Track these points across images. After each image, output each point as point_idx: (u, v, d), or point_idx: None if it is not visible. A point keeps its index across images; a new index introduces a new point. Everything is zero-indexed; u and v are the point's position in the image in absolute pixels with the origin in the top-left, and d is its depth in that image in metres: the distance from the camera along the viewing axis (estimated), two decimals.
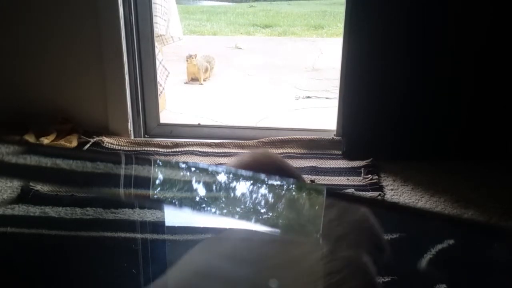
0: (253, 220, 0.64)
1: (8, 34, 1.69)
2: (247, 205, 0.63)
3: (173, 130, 1.82)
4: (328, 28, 5.73)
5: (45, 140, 1.63)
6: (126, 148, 1.69)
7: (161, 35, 1.98)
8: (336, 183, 1.47)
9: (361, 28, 1.51)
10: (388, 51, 1.52)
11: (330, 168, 1.56)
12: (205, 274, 0.61)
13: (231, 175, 0.72)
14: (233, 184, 0.69)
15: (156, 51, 1.79)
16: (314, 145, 1.70)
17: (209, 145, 1.71)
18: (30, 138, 1.64)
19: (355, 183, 1.46)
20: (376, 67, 1.54)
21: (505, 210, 1.33)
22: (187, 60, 2.84)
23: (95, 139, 1.69)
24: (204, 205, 0.66)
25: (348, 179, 1.49)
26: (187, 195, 0.67)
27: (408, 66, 1.53)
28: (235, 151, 1.67)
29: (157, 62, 1.80)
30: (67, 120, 1.75)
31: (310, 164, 1.57)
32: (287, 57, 3.91)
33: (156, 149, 1.68)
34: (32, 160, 0.73)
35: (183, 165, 0.91)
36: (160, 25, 1.94)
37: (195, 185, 0.71)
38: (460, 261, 0.59)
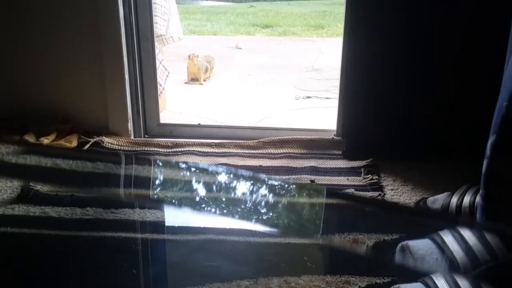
0: (253, 220, 0.64)
1: (8, 34, 1.69)
2: (247, 205, 0.63)
3: (173, 130, 1.82)
4: (328, 28, 5.74)
5: (45, 140, 1.63)
6: (126, 148, 1.69)
7: (161, 35, 1.98)
8: (336, 183, 1.47)
9: (361, 28, 1.51)
10: (388, 51, 1.52)
11: (330, 168, 1.56)
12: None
13: (231, 175, 0.72)
14: (233, 184, 0.69)
15: (156, 51, 1.79)
16: (314, 145, 1.70)
17: (209, 145, 1.71)
18: (30, 138, 1.64)
19: (355, 183, 1.46)
20: (376, 67, 1.54)
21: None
22: (188, 59, 2.85)
23: (95, 139, 1.69)
24: (204, 205, 0.66)
25: (348, 179, 1.49)
26: (187, 195, 0.67)
27: (408, 66, 1.53)
28: (235, 151, 1.67)
29: (157, 62, 1.80)
30: (67, 120, 1.75)
31: (310, 164, 1.57)
32: (287, 57, 3.92)
33: (156, 149, 1.68)
34: (32, 160, 0.73)
35: (183, 165, 0.91)
36: (160, 25, 1.94)
37: (195, 185, 0.71)
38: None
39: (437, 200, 1.26)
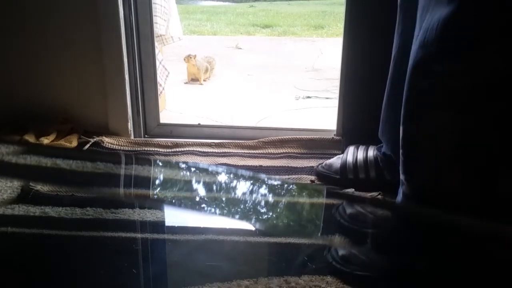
0: (253, 220, 0.64)
1: (8, 34, 1.69)
2: (247, 205, 0.63)
3: (173, 130, 1.82)
4: (328, 28, 5.74)
5: (45, 140, 1.63)
6: (126, 148, 1.69)
7: (161, 35, 1.98)
8: None
9: (361, 28, 1.51)
10: (388, 51, 1.52)
11: None
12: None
13: (231, 175, 0.72)
14: (233, 184, 0.69)
15: (156, 51, 1.79)
16: (314, 145, 1.70)
17: (209, 145, 1.71)
18: (30, 138, 1.64)
19: None
20: (376, 67, 1.53)
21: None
22: (185, 61, 2.85)
23: (95, 139, 1.69)
24: (204, 205, 0.66)
25: None
26: (187, 195, 0.67)
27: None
28: (235, 151, 1.67)
29: (157, 62, 1.80)
30: (67, 120, 1.75)
31: (310, 164, 1.57)
32: (287, 57, 3.92)
33: (156, 149, 1.68)
34: (32, 160, 0.73)
35: (183, 165, 0.91)
36: (160, 25, 1.94)
37: (195, 185, 0.71)
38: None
39: (333, 164, 1.45)
